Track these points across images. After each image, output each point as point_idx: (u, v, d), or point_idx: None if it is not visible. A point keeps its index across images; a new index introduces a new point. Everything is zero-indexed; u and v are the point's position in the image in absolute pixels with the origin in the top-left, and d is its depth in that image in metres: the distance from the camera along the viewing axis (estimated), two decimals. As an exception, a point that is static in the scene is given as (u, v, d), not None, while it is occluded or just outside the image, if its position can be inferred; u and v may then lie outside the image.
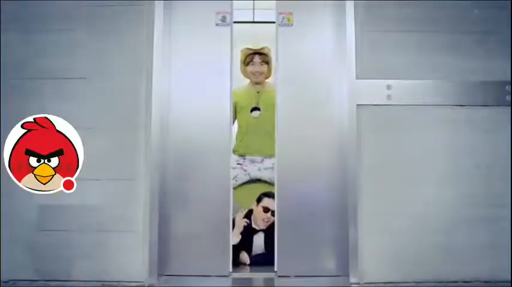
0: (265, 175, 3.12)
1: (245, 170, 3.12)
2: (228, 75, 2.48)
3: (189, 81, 2.48)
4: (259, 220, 2.94)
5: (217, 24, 2.48)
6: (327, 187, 2.46)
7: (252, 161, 3.12)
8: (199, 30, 2.49)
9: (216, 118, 2.46)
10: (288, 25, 2.48)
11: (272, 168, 3.08)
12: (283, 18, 2.48)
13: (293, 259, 2.42)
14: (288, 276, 2.40)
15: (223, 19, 2.49)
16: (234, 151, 3.18)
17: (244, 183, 3.15)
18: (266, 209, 2.92)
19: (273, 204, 2.92)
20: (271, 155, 3.10)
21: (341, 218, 2.37)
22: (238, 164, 3.12)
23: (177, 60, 2.49)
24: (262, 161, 3.12)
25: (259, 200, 2.97)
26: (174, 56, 2.48)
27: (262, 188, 3.17)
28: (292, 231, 2.43)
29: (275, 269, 2.45)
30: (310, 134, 2.46)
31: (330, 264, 2.43)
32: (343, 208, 2.36)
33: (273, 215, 2.92)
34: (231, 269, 2.44)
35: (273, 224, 2.95)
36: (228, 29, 2.49)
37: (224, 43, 2.48)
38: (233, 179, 3.10)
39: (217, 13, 2.49)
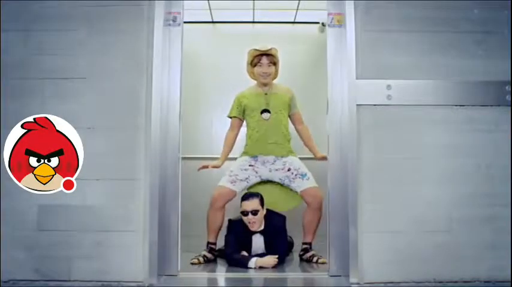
0: (275, 176, 3.09)
1: (256, 172, 3.10)
2: (178, 73, 2.46)
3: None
4: (247, 224, 2.91)
5: (169, 24, 2.46)
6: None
7: (264, 163, 3.09)
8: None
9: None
10: (338, 26, 2.47)
11: (283, 169, 3.07)
12: (332, 19, 2.48)
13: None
14: (339, 275, 2.40)
15: (174, 19, 2.47)
16: (245, 153, 3.16)
17: (254, 185, 3.14)
18: (245, 213, 2.89)
19: (250, 205, 2.87)
20: (283, 156, 3.09)
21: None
22: (250, 165, 3.09)
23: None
24: (274, 162, 3.09)
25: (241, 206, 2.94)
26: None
27: (271, 189, 3.14)
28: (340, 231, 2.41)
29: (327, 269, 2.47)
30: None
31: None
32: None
33: (254, 215, 2.88)
34: (179, 269, 2.44)
35: (267, 224, 2.94)
36: (179, 28, 2.48)
37: (175, 43, 2.47)
38: (245, 180, 3.08)
39: (168, 13, 2.46)
